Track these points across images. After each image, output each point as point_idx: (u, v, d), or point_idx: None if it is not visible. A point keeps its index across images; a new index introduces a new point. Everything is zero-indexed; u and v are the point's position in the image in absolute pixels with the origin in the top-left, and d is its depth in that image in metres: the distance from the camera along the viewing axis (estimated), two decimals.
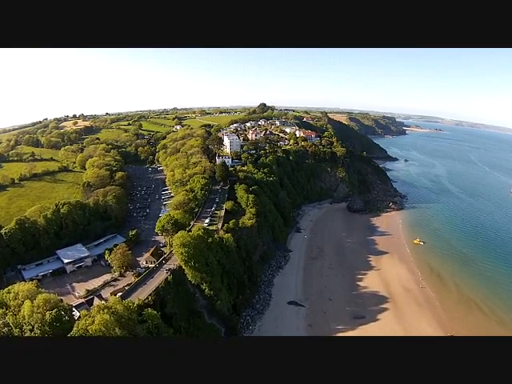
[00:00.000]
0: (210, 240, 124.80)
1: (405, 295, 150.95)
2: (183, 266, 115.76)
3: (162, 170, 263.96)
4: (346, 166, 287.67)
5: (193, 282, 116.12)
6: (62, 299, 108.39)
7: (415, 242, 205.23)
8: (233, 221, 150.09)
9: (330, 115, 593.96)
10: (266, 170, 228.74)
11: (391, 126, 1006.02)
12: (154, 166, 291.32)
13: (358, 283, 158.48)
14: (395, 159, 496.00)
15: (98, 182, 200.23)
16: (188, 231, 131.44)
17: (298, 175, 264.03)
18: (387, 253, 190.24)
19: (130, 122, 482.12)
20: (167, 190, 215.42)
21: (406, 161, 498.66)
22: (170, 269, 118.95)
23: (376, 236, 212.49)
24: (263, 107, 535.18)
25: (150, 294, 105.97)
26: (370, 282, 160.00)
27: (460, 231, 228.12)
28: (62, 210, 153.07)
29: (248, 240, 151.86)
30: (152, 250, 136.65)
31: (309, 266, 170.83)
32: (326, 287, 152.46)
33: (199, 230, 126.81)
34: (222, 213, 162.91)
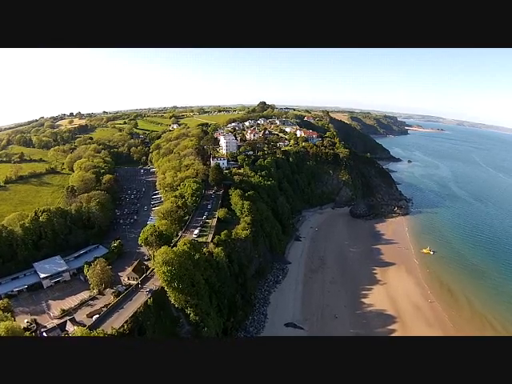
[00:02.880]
0: (197, 256, 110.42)
1: (414, 314, 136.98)
2: (165, 288, 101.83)
3: (154, 172, 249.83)
4: (348, 169, 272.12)
5: (176, 305, 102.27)
6: (35, 320, 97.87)
7: (425, 251, 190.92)
8: (225, 232, 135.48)
9: (331, 114, 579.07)
10: (263, 172, 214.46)
11: (393, 125, 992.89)
12: (146, 167, 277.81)
13: (363, 300, 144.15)
14: (398, 160, 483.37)
15: (82, 187, 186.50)
16: (173, 246, 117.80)
17: (298, 178, 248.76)
18: (394, 264, 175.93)
19: (126, 120, 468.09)
20: (158, 194, 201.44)
21: (409, 161, 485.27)
22: (150, 290, 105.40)
23: (381, 245, 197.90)
24: (263, 106, 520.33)
25: (127, 321, 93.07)
26: (376, 298, 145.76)
27: (469, 239, 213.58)
28: (40, 218, 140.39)
29: (242, 253, 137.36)
30: (135, 264, 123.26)
31: (309, 281, 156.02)
32: (327, 305, 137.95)
33: (185, 244, 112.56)
34: (214, 222, 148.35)
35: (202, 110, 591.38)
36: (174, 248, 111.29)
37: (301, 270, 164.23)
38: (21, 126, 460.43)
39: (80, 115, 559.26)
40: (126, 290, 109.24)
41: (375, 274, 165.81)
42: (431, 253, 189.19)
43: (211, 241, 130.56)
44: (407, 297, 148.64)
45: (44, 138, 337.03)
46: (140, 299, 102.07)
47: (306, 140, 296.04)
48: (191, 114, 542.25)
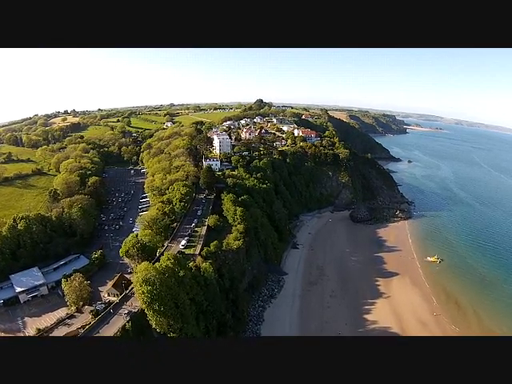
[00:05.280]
0: (181, 273, 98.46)
1: (420, 331, 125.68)
2: (145, 310, 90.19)
3: (145, 173, 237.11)
4: (349, 170, 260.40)
5: (158, 329, 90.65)
6: None
7: (432, 259, 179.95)
8: (214, 243, 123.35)
9: (329, 113, 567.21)
10: (259, 174, 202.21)
11: (392, 124, 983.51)
12: (137, 167, 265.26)
13: (366, 316, 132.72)
14: (398, 160, 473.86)
15: (65, 190, 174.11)
16: (155, 260, 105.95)
17: (295, 180, 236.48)
18: (397, 274, 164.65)
19: (120, 118, 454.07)
20: (147, 197, 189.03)
21: (409, 162, 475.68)
22: (129, 312, 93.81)
23: (384, 252, 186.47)
24: (260, 103, 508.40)
25: None
26: (380, 314, 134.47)
27: (475, 246, 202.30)
28: (19, 226, 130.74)
29: (233, 266, 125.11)
30: (116, 278, 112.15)
31: (307, 294, 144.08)
32: (326, 323, 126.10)
33: (169, 259, 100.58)
34: (204, 230, 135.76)
35: (197, 108, 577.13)
36: (157, 264, 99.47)
37: (298, 282, 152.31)
38: (14, 123, 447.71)
39: (74, 113, 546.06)
40: (105, 308, 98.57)
41: (378, 285, 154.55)
42: (438, 261, 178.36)
43: (199, 253, 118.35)
44: (413, 312, 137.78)
45: (34, 137, 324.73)
46: (118, 322, 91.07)
47: (304, 140, 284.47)
48: (186, 111, 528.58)
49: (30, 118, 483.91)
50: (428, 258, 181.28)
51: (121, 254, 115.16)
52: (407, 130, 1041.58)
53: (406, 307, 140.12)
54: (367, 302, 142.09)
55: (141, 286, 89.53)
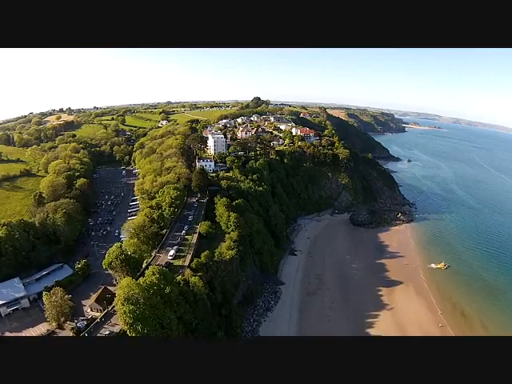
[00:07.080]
0: (168, 290, 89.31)
1: None
2: (128, 332, 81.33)
3: (137, 173, 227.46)
4: (348, 171, 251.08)
5: None
6: None
7: (439, 266, 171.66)
8: (205, 253, 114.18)
9: (327, 111, 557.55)
10: (255, 176, 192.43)
11: (390, 122, 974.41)
12: (129, 167, 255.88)
13: (368, 330, 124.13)
14: (398, 159, 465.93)
15: (51, 193, 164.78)
16: (140, 274, 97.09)
17: (293, 181, 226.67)
18: (401, 283, 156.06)
19: (114, 116, 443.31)
20: (137, 200, 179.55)
21: (409, 161, 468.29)
22: (111, 332, 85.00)
23: (386, 259, 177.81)
24: (257, 101, 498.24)
25: None
26: (382, 327, 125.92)
27: (479, 251, 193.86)
28: (0, 233, 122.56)
29: (226, 277, 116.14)
30: (99, 292, 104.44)
31: (305, 306, 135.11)
32: None
33: (154, 273, 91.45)
34: (195, 238, 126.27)
35: (194, 106, 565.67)
36: (141, 279, 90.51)
37: (296, 293, 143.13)
38: (8, 122, 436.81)
39: (69, 111, 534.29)
40: (86, 326, 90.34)
41: (381, 295, 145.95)
42: (444, 268, 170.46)
43: (189, 265, 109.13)
44: (417, 323, 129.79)
45: (25, 136, 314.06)
46: None
47: (302, 139, 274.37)
48: (182, 109, 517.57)
49: (25, 117, 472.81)
50: (432, 264, 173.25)
51: (104, 266, 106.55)
52: (406, 129, 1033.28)
53: (410, 319, 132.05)
54: (369, 314, 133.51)
55: (123, 304, 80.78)
